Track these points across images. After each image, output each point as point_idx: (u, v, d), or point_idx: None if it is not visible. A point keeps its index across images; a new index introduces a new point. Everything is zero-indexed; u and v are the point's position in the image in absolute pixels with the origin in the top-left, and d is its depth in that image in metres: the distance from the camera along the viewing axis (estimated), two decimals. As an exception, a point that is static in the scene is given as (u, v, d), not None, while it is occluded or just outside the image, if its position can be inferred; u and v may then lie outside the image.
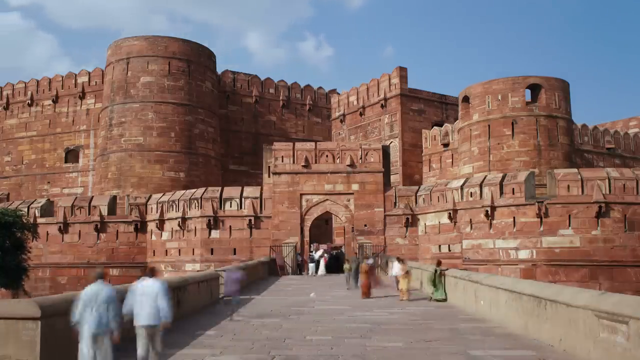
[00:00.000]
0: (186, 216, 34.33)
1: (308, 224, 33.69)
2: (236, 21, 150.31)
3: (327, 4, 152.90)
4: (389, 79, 49.03)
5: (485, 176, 31.54)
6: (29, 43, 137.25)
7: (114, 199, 38.44)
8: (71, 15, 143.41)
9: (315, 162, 34.02)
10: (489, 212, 29.15)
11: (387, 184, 34.31)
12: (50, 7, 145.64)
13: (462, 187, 31.04)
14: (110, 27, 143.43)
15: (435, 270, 17.50)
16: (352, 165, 33.79)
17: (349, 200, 33.73)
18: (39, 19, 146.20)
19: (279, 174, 33.87)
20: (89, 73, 54.05)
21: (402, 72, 48.25)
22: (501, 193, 29.14)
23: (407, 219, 33.33)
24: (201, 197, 33.83)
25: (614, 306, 7.50)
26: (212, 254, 33.41)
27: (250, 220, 33.30)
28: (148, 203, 37.40)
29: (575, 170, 29.25)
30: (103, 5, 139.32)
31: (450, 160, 43.79)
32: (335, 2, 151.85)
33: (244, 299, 17.86)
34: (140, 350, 7.71)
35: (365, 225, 33.35)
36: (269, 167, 34.62)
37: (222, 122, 52.12)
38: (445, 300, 16.99)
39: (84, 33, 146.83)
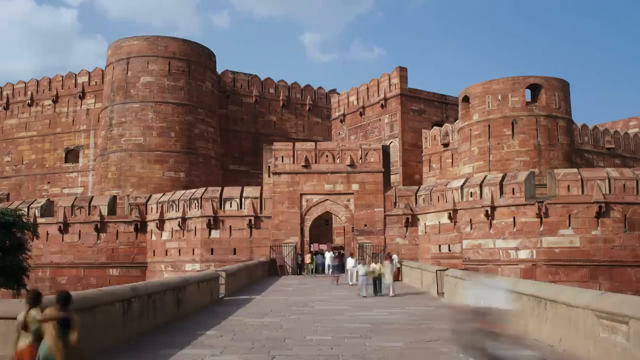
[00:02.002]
0: (186, 216, 34.33)
1: (308, 224, 33.69)
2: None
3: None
4: (389, 79, 49.03)
5: (485, 176, 31.54)
6: (77, 40, 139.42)
7: (114, 199, 38.45)
8: (121, 10, 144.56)
9: (315, 162, 34.02)
10: (489, 212, 29.14)
11: (387, 184, 34.31)
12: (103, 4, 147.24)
13: (462, 187, 31.03)
14: (170, 24, 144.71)
15: None
16: (352, 165, 33.78)
17: (349, 200, 33.73)
18: (89, 17, 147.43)
19: (279, 174, 33.87)
20: (89, 73, 54.05)
21: (402, 72, 48.26)
22: (501, 193, 29.14)
23: (407, 219, 33.33)
24: (201, 197, 33.82)
25: (614, 306, 7.50)
26: (212, 254, 33.40)
27: (250, 220, 33.30)
28: (148, 203, 37.40)
29: (575, 170, 29.24)
30: (160, 3, 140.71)
31: (450, 160, 43.79)
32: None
33: (244, 299, 17.87)
34: None
35: (365, 225, 33.35)
36: (269, 167, 34.62)
37: (222, 122, 52.13)
38: None
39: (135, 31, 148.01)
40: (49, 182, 53.05)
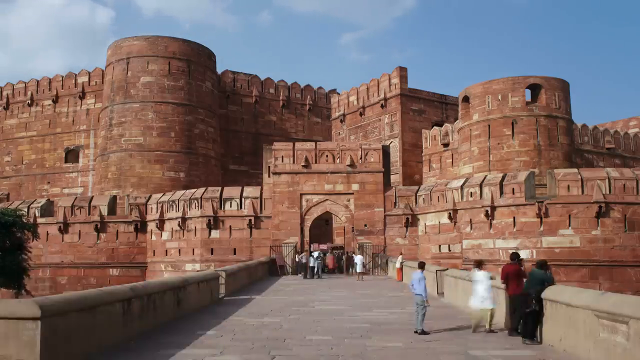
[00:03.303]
0: (186, 216, 34.33)
1: (308, 224, 33.69)
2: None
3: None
4: (389, 79, 49.04)
5: (485, 176, 31.54)
6: (111, 39, 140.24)
7: (114, 199, 38.44)
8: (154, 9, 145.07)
9: (315, 162, 34.02)
10: (489, 212, 29.14)
11: (387, 184, 34.31)
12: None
13: (462, 187, 31.03)
14: (215, 26, 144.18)
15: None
16: (352, 165, 33.78)
17: (349, 200, 33.73)
18: (124, 14, 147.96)
19: (279, 174, 33.87)
20: (89, 73, 54.06)
21: (402, 72, 48.27)
22: (501, 193, 29.14)
23: (407, 219, 33.33)
24: (201, 197, 33.82)
25: (614, 306, 7.50)
26: (212, 254, 33.41)
27: (250, 220, 33.29)
28: (148, 203, 37.40)
29: (575, 170, 29.24)
30: (197, 3, 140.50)
31: (450, 160, 43.79)
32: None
33: (244, 299, 17.86)
34: None
35: (365, 225, 33.35)
36: (269, 167, 34.63)
37: (222, 122, 52.13)
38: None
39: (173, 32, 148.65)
40: (49, 182, 53.05)
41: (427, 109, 49.06)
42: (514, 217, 28.55)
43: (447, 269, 18.96)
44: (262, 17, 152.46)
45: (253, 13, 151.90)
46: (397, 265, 26.41)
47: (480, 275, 11.59)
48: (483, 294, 11.22)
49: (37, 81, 55.46)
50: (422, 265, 12.59)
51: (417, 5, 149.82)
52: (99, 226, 36.79)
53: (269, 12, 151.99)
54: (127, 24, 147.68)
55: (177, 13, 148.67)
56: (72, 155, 53.27)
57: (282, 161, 34.06)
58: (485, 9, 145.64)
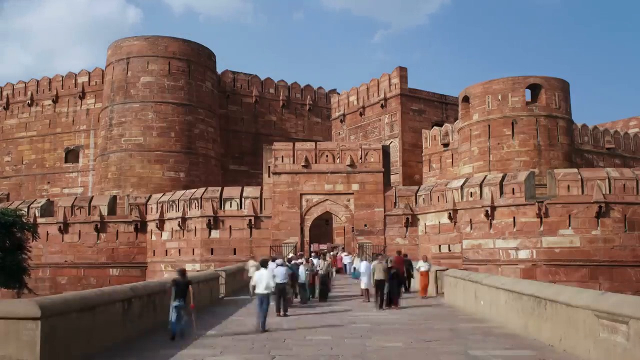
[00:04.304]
0: (186, 216, 34.33)
1: (308, 224, 33.68)
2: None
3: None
4: (389, 79, 49.03)
5: (485, 176, 31.54)
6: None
7: (114, 199, 38.44)
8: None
9: (315, 162, 34.02)
10: (489, 212, 29.14)
11: (387, 184, 34.31)
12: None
13: (462, 187, 31.03)
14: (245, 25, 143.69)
15: None
16: (352, 165, 33.78)
17: (349, 200, 33.73)
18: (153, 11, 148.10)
19: (279, 174, 33.87)
20: (89, 73, 54.05)
21: (402, 72, 48.25)
22: (501, 193, 29.14)
23: (407, 219, 33.33)
24: (201, 197, 33.82)
25: (614, 306, 7.50)
26: (212, 254, 33.40)
27: (250, 220, 33.30)
28: (148, 203, 37.39)
29: (575, 170, 29.23)
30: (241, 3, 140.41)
31: (450, 160, 43.78)
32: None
33: (244, 299, 17.86)
34: None
35: (365, 225, 33.35)
36: (269, 167, 34.62)
37: (222, 122, 52.12)
38: None
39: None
40: (49, 182, 53.04)
41: (427, 109, 49.06)
42: (514, 217, 28.55)
43: (447, 269, 18.96)
44: (293, 16, 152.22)
45: (284, 12, 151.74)
46: (424, 268, 18.92)
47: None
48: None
49: (37, 81, 55.44)
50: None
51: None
52: (99, 226, 36.78)
53: (300, 10, 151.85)
54: (156, 22, 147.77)
55: (205, 10, 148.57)
56: (72, 155, 53.26)
57: (282, 161, 34.06)
58: (485, 9, 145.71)
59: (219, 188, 34.98)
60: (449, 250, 31.41)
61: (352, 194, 33.66)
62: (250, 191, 34.44)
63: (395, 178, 43.79)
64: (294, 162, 33.92)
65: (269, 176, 34.43)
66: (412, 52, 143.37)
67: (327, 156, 34.17)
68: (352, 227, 33.47)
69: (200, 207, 33.66)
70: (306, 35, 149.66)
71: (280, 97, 56.38)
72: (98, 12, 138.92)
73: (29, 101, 54.79)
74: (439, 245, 32.02)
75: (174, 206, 35.31)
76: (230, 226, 33.51)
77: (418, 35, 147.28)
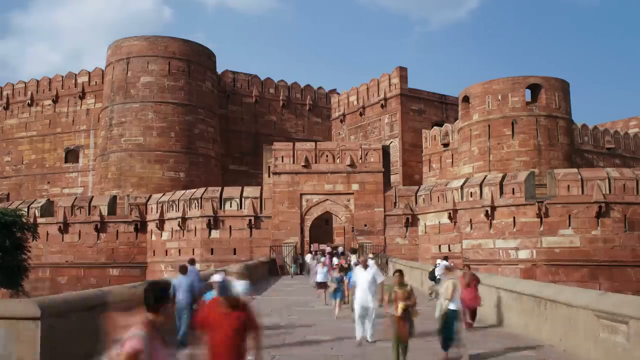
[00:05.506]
0: (186, 216, 34.32)
1: (308, 224, 33.68)
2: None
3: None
4: (389, 79, 49.02)
5: (485, 176, 31.54)
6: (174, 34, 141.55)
7: (114, 199, 38.43)
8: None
9: (315, 162, 34.01)
10: (489, 212, 29.13)
11: (387, 184, 34.30)
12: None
13: (462, 187, 31.03)
14: (285, 25, 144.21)
15: None
16: (352, 165, 33.77)
17: (349, 200, 33.72)
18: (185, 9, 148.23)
19: (279, 174, 33.86)
20: (89, 73, 54.02)
21: (402, 72, 48.25)
22: (501, 193, 29.14)
23: (407, 219, 33.32)
24: (201, 197, 33.82)
25: (614, 306, 7.50)
26: (212, 254, 33.39)
27: (250, 220, 33.29)
28: (148, 203, 37.39)
29: (575, 170, 29.24)
30: (271, 3, 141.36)
31: (450, 160, 43.78)
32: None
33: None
34: None
35: (365, 225, 33.34)
36: (269, 167, 34.62)
37: (222, 122, 52.10)
38: None
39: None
40: (49, 182, 53.02)
41: (427, 109, 49.05)
42: (514, 217, 28.54)
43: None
44: (326, 10, 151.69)
45: (321, 12, 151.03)
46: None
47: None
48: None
49: (37, 81, 55.42)
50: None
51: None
52: (99, 226, 36.77)
53: (333, 4, 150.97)
54: (189, 20, 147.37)
55: (239, 6, 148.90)
56: (72, 155, 53.24)
57: (282, 161, 34.06)
58: (484, 9, 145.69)
59: (219, 188, 34.97)
60: (449, 250, 31.38)
61: (352, 194, 33.65)
62: (250, 191, 34.44)
63: (395, 178, 43.78)
64: (294, 162, 33.92)
65: (269, 176, 34.43)
66: (411, 53, 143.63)
67: (327, 156, 34.16)
68: (352, 227, 33.46)
69: (200, 207, 33.65)
70: (312, 35, 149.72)
71: (280, 97, 56.36)
72: (132, 10, 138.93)
73: (29, 101, 54.75)
74: (439, 246, 32.01)
75: (174, 206, 35.31)
76: (230, 226, 33.50)
77: (418, 35, 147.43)
